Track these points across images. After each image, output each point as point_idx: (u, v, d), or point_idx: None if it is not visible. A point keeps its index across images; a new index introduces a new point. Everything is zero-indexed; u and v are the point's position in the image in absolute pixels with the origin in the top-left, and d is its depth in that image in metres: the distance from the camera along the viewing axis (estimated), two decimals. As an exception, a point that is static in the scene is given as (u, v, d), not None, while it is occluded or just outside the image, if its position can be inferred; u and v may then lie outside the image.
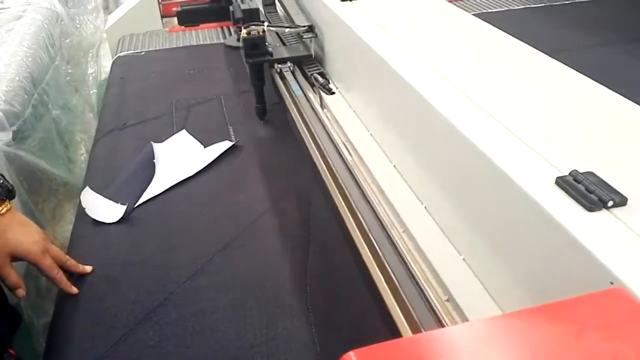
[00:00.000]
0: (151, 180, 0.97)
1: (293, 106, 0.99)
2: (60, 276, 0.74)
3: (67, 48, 1.87)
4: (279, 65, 1.09)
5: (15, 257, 0.71)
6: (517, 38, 0.78)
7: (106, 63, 2.09)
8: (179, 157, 1.04)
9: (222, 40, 1.64)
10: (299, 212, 0.90)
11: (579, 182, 0.46)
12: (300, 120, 0.94)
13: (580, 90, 0.63)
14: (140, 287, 0.77)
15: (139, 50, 1.60)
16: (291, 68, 1.08)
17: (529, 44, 0.76)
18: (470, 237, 0.59)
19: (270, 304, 0.73)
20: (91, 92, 2.02)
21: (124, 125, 1.18)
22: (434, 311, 0.55)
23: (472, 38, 0.81)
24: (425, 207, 0.68)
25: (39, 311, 1.05)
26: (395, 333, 0.56)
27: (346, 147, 0.83)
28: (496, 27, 0.83)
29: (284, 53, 1.10)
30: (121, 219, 0.88)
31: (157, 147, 1.05)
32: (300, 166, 1.01)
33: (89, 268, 0.79)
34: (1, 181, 0.71)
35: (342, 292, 0.74)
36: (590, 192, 0.45)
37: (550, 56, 0.71)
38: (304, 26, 1.08)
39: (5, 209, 0.70)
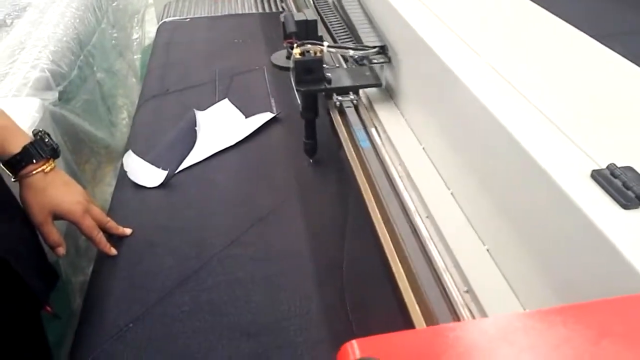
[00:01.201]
0: (192, 147, 0.97)
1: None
2: (100, 237, 0.75)
3: (113, 12, 1.88)
4: (340, 98, 0.87)
5: (57, 216, 0.72)
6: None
7: (151, 29, 2.10)
8: (220, 126, 1.03)
9: (266, 10, 1.63)
10: (337, 188, 0.89)
11: (616, 177, 0.43)
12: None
13: (629, 80, 0.60)
14: (177, 253, 0.77)
15: (184, 17, 1.59)
16: (355, 101, 0.87)
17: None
18: (496, 228, 0.57)
19: (305, 278, 0.73)
20: (135, 57, 2.03)
21: (167, 91, 1.18)
22: (451, 302, 0.54)
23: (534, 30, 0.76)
24: (452, 193, 0.66)
25: (76, 269, 1.07)
26: (407, 323, 0.55)
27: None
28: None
29: (345, 80, 0.86)
30: (161, 184, 0.89)
31: (199, 114, 1.05)
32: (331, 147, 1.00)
33: (128, 230, 0.80)
34: (47, 140, 0.72)
35: (378, 271, 0.73)
36: (627, 188, 0.42)
37: (600, 41, 0.67)
38: (375, 47, 0.85)
39: (49, 168, 0.71)
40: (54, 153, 0.72)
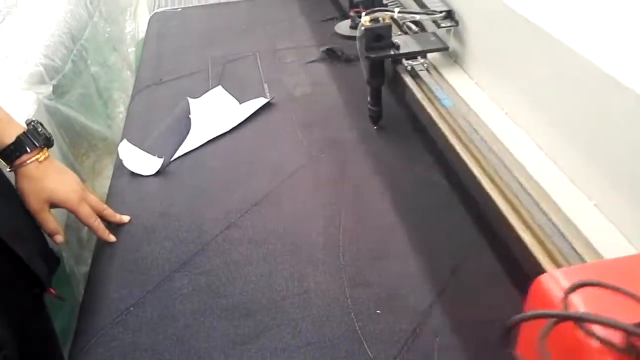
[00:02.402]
0: (187, 134, 0.97)
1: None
2: (97, 224, 0.76)
3: (105, 5, 1.88)
4: (410, 62, 0.90)
5: (53, 204, 0.73)
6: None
7: (144, 21, 2.10)
8: (215, 113, 1.04)
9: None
10: (332, 170, 0.89)
11: None
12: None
13: None
14: (176, 238, 0.78)
15: (175, 7, 1.59)
16: (426, 65, 0.89)
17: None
18: (600, 182, 0.59)
19: (302, 258, 0.73)
20: (129, 50, 2.03)
21: (161, 81, 1.18)
22: (578, 252, 0.56)
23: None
24: (545, 154, 0.68)
25: (79, 260, 1.09)
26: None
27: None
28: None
29: (413, 45, 0.88)
30: (158, 172, 0.89)
31: (193, 102, 1.05)
32: (334, 125, 1.00)
33: (126, 218, 0.80)
34: (40, 129, 0.72)
35: (374, 249, 0.74)
36: None
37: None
38: (441, 11, 0.86)
39: (43, 157, 0.72)
40: (47, 142, 0.73)
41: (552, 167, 0.67)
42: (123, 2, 2.11)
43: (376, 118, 0.97)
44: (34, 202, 0.71)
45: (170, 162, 0.92)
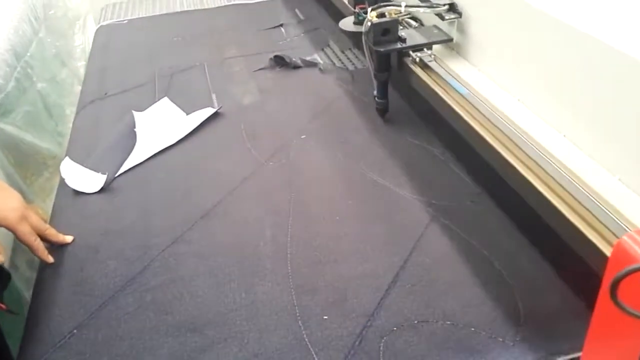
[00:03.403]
0: (132, 149, 0.96)
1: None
2: (37, 244, 0.74)
3: (52, 20, 1.84)
4: (418, 54, 0.92)
5: None
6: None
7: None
8: (161, 125, 1.02)
9: (204, 7, 1.61)
10: (280, 178, 0.89)
11: None
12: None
13: None
14: (120, 256, 0.76)
15: (121, 19, 1.57)
16: (432, 56, 0.91)
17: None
18: (622, 157, 0.60)
19: (250, 269, 0.73)
20: (79, 64, 1.99)
21: (106, 95, 1.16)
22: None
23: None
24: (564, 136, 0.69)
25: (30, 284, 1.06)
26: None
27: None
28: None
29: (418, 38, 0.91)
30: (102, 188, 0.88)
31: (138, 115, 1.04)
32: (283, 133, 1.00)
33: (69, 238, 0.79)
34: None
35: (322, 256, 0.74)
36: None
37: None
38: (444, 5, 0.89)
39: None
40: None
41: (572, 148, 0.68)
42: (71, 15, 2.07)
43: (383, 111, 1.01)
44: None
45: (114, 178, 0.90)
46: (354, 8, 0.98)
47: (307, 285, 0.70)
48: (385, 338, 0.62)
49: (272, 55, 1.24)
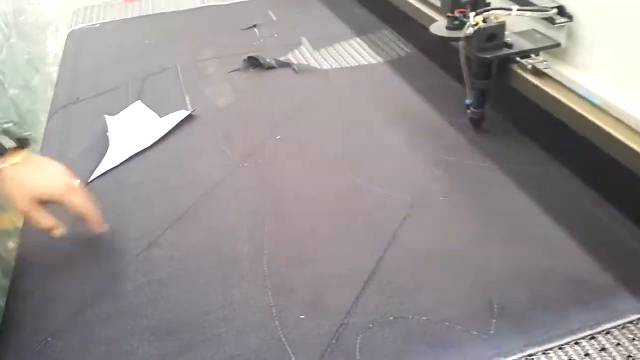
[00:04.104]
0: (105, 154, 0.95)
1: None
2: (89, 212, 0.74)
3: (24, 26, 1.81)
4: (529, 60, 0.85)
5: (42, 201, 0.71)
6: None
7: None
8: (135, 129, 1.02)
9: (178, 9, 1.60)
10: (256, 179, 0.89)
11: None
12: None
13: None
14: (96, 262, 0.76)
15: (94, 23, 1.55)
16: (546, 63, 0.84)
17: None
18: None
19: (227, 270, 0.73)
20: (52, 70, 1.96)
21: (78, 100, 1.15)
22: None
23: None
24: None
25: (5, 292, 1.04)
26: None
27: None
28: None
29: (525, 43, 0.85)
30: (75, 194, 0.87)
31: (110, 119, 1.03)
32: (258, 134, 1.00)
33: (106, 227, 0.78)
34: (12, 132, 0.71)
35: (299, 255, 0.74)
36: None
37: None
38: (552, 8, 0.83)
39: (20, 158, 0.70)
40: (22, 143, 0.72)
41: None
42: (43, 21, 2.04)
43: (478, 121, 0.94)
44: (21, 203, 0.70)
45: (88, 184, 0.89)
46: (452, 13, 0.90)
47: (285, 286, 0.70)
48: (361, 335, 0.62)
49: (246, 57, 1.24)
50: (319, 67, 1.23)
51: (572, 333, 0.60)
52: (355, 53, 1.27)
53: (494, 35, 0.84)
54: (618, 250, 0.70)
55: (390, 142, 0.95)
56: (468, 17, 0.85)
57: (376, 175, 0.87)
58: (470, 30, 0.83)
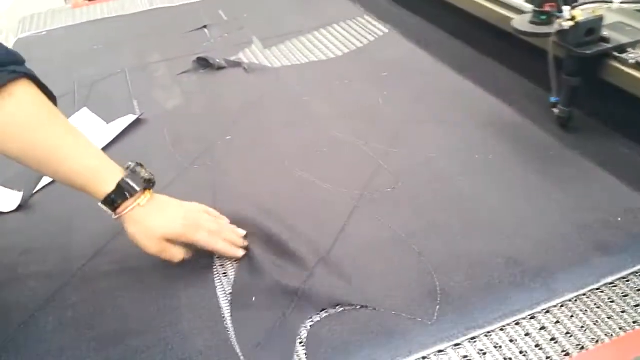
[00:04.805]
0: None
1: None
2: (222, 246, 0.72)
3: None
4: (631, 55, 0.80)
5: (169, 240, 0.70)
6: None
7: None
8: (81, 137, 1.00)
9: (126, 12, 1.58)
10: (205, 181, 0.89)
11: None
12: None
13: None
14: (40, 274, 0.74)
15: (40, 31, 1.52)
16: None
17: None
18: None
19: (174, 275, 0.72)
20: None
21: (23, 110, 1.12)
22: None
23: None
24: None
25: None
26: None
27: None
28: None
29: (620, 37, 0.81)
30: (19, 207, 0.85)
31: (56, 129, 1.01)
32: (207, 135, 0.99)
33: (240, 253, 0.74)
34: (139, 171, 0.70)
35: (247, 254, 0.74)
36: None
37: None
38: None
39: (145, 200, 0.69)
40: (148, 184, 0.70)
41: None
42: (-8, 31, 2.00)
43: (567, 120, 0.90)
44: (149, 245, 0.69)
45: (32, 195, 0.88)
46: (540, 7, 0.85)
47: (233, 287, 0.70)
48: (308, 328, 0.62)
49: (195, 58, 1.23)
50: (269, 65, 1.22)
51: (513, 314, 0.61)
52: (306, 50, 1.27)
53: (592, 30, 0.81)
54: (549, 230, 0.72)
55: (341, 138, 0.95)
56: (560, 11, 0.82)
57: (324, 172, 0.87)
58: (565, 25, 0.81)
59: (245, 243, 0.75)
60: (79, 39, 1.44)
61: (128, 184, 0.68)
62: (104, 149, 0.97)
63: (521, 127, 0.93)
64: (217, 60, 1.23)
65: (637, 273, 0.65)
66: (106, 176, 0.68)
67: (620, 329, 0.59)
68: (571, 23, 0.80)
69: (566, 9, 0.81)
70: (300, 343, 0.61)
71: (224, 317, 0.66)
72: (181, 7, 1.59)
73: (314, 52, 1.26)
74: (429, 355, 0.58)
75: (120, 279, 0.72)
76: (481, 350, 0.58)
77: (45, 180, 0.90)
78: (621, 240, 0.69)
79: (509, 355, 0.57)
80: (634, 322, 0.59)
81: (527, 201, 0.77)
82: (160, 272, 0.73)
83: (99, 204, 0.69)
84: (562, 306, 0.62)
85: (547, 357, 0.57)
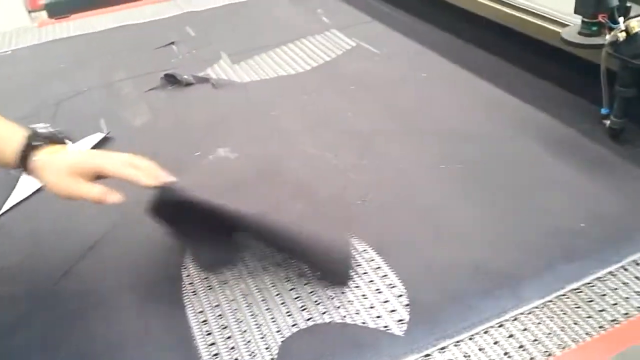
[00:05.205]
0: (15, 186, 0.91)
1: None
2: (130, 172, 0.69)
3: None
4: None
5: (82, 175, 0.67)
6: None
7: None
8: (47, 157, 0.98)
9: (93, 30, 1.57)
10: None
11: None
12: None
13: None
14: (6, 297, 0.73)
15: (5, 50, 1.50)
16: None
17: None
18: None
19: (143, 295, 0.71)
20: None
21: (-14, 131, 1.10)
22: None
23: None
24: None
25: None
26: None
27: None
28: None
29: None
30: (-16, 229, 0.84)
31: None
32: (176, 151, 0.99)
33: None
34: (46, 130, 0.70)
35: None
36: None
37: None
38: None
39: (53, 151, 0.68)
40: (56, 139, 0.70)
41: None
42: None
43: (619, 132, 0.89)
44: (59, 183, 0.66)
45: (-2, 217, 0.86)
46: (591, 18, 0.86)
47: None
48: (280, 343, 0.62)
49: (162, 75, 1.23)
50: (238, 81, 1.23)
51: (481, 322, 0.62)
52: (274, 64, 1.28)
53: None
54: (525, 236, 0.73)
55: (310, 152, 0.96)
56: (615, 22, 0.82)
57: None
58: (620, 36, 0.81)
59: (167, 179, 0.71)
60: (45, 58, 1.42)
61: (36, 136, 0.68)
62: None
63: (488, 136, 0.95)
64: (185, 77, 1.22)
65: (601, 278, 0.66)
66: (10, 142, 0.68)
67: (586, 334, 0.60)
68: (624, 34, 0.81)
69: (621, 19, 0.81)
70: (272, 359, 0.61)
71: (193, 337, 0.65)
72: (148, 23, 1.58)
73: (283, 66, 1.26)
74: (400, 366, 0.59)
75: (89, 300, 0.71)
76: (450, 360, 0.59)
77: (12, 201, 0.89)
78: (585, 245, 0.70)
79: (478, 363, 0.58)
80: (600, 327, 0.60)
81: (495, 210, 0.78)
82: (129, 292, 0.72)
83: (11, 171, 0.70)
84: (529, 313, 0.63)
85: (516, 365, 0.57)
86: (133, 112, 1.12)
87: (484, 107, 1.03)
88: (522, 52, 1.15)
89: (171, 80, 1.22)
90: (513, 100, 1.04)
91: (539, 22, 1.09)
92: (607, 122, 0.90)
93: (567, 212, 0.76)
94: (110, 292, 0.72)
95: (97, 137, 1.02)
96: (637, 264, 0.67)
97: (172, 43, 1.42)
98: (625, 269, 0.67)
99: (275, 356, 0.61)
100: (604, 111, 0.90)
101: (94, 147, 1.00)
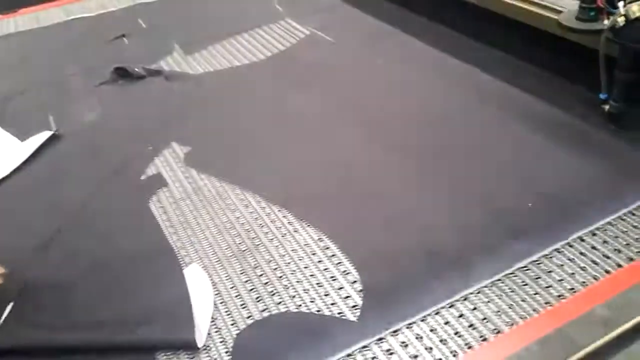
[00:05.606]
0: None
1: None
2: None
3: None
4: None
5: None
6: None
7: None
8: (-7, 157, 0.96)
9: (40, 25, 1.52)
10: (127, 191, 0.87)
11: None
12: None
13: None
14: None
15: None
16: None
17: None
18: None
19: (96, 289, 0.70)
20: None
21: None
22: None
23: None
24: None
25: None
26: None
27: None
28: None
29: None
30: None
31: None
32: (127, 147, 0.97)
33: None
34: None
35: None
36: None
37: None
38: None
39: None
40: None
41: None
42: None
43: (619, 116, 0.87)
44: None
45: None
46: (590, 3, 0.86)
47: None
48: (235, 336, 0.62)
49: (113, 68, 1.20)
50: (191, 72, 1.21)
51: (433, 304, 0.63)
52: (228, 54, 1.26)
53: None
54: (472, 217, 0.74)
55: (266, 143, 0.95)
56: (614, 7, 0.81)
57: (247, 177, 0.87)
58: (619, 21, 0.80)
59: None
60: (-8, 54, 1.38)
61: None
62: (18, 168, 0.93)
63: (443, 120, 0.95)
64: (136, 69, 1.20)
65: (548, 255, 0.67)
66: None
67: (533, 310, 0.61)
68: (623, 19, 0.80)
69: (620, 4, 0.81)
70: (227, 352, 0.61)
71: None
72: (98, 16, 1.55)
73: (236, 56, 1.25)
74: (353, 352, 0.59)
75: (42, 299, 0.69)
76: (403, 343, 0.59)
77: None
78: (533, 224, 0.72)
79: (429, 344, 0.59)
80: (546, 303, 0.62)
81: (445, 193, 0.79)
82: (81, 282, 0.71)
83: None
84: (478, 292, 0.64)
85: (466, 344, 0.58)
86: (83, 108, 1.10)
87: (443, 88, 1.03)
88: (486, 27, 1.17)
89: (122, 73, 1.20)
90: (476, 74, 1.05)
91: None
92: (606, 107, 0.89)
93: (515, 192, 0.78)
94: (64, 289, 0.71)
95: (45, 135, 1.00)
96: (582, 240, 0.69)
97: (123, 35, 1.39)
98: (571, 246, 0.68)
99: (231, 349, 0.61)
100: (602, 96, 0.90)
101: (42, 145, 0.98)
